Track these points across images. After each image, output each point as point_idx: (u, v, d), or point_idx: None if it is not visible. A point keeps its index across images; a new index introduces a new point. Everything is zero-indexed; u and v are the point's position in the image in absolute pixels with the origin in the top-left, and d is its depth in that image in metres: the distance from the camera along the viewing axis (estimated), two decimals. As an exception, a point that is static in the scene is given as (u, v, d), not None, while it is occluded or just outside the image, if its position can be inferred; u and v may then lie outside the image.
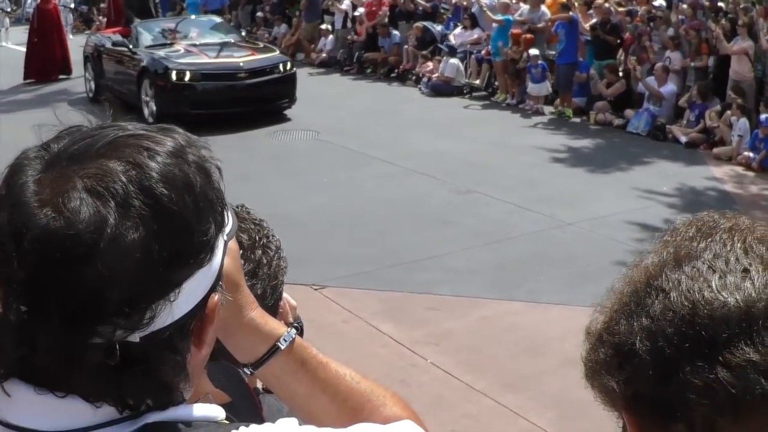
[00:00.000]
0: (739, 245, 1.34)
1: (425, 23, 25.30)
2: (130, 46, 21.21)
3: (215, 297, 1.44)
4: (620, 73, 19.98)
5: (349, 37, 27.58)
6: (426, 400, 7.54)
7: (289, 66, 20.66)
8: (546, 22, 21.55)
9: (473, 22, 24.03)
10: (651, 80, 18.75)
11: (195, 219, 1.37)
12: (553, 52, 21.10)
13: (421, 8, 26.61)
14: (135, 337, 1.31)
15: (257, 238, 2.39)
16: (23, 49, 36.97)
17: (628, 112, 18.78)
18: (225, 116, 18.74)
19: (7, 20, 41.08)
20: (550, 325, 8.84)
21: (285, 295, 2.54)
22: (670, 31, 19.65)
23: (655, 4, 21.17)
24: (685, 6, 20.29)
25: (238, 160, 15.15)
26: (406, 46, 25.46)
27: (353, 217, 12.50)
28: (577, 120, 19.57)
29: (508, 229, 11.86)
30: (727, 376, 1.23)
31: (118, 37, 22.69)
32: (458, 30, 24.44)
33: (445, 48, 23.95)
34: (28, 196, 1.32)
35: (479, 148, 16.06)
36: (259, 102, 19.41)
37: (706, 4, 20.21)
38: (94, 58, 23.39)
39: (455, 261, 10.81)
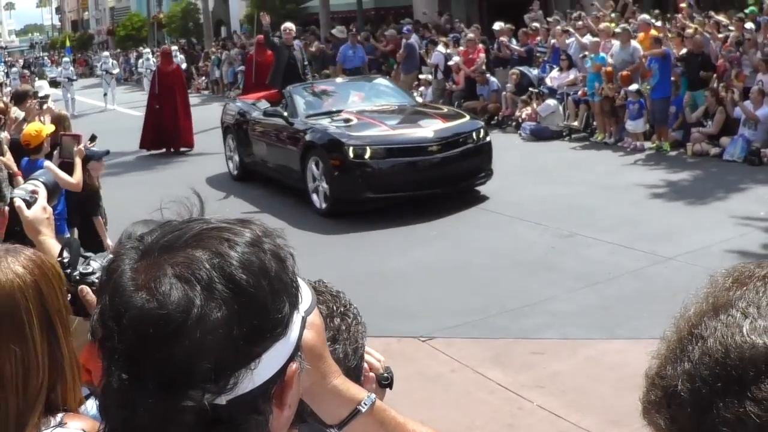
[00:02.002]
0: None
1: (522, 68, 25.47)
2: (285, 114, 18.03)
3: (293, 365, 1.62)
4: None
5: (447, 86, 27.74)
6: (533, 441, 7.84)
7: (482, 133, 16.98)
8: (639, 59, 21.50)
9: (570, 63, 24.16)
10: (747, 104, 18.77)
11: (270, 299, 1.56)
12: (648, 87, 21.03)
13: (516, 54, 26.80)
14: (222, 400, 1.50)
15: (335, 308, 2.61)
16: (131, 111, 37.44)
17: (724, 140, 18.79)
18: (410, 200, 15.86)
19: (114, 82, 41.49)
20: (653, 360, 8.95)
21: (370, 350, 2.75)
22: (760, 54, 19.68)
23: (746, 26, 21.24)
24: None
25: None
26: (504, 93, 25.61)
27: (458, 268, 12.67)
28: (675, 153, 19.68)
29: (610, 269, 11.98)
30: (754, 409, 1.32)
31: (265, 104, 19.74)
32: (554, 72, 24.53)
33: (545, 90, 24.07)
34: (126, 281, 1.53)
35: (580, 191, 16.20)
36: (453, 180, 16.19)
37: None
38: (235, 129, 20.52)
39: (559, 305, 10.97)
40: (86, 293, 2.91)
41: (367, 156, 15.87)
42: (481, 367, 9.30)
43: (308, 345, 1.78)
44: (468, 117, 18.06)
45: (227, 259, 1.54)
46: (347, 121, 17.11)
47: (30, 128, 10.95)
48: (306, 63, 22.80)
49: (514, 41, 27.74)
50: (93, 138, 11.82)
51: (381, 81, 21.78)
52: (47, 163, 10.30)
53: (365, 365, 2.71)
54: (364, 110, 17.91)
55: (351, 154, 15.85)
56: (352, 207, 16.03)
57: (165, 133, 25.73)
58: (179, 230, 1.62)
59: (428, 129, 16.56)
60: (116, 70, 44.38)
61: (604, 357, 9.36)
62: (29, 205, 3.73)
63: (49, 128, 11.05)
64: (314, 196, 16.60)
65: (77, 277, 2.96)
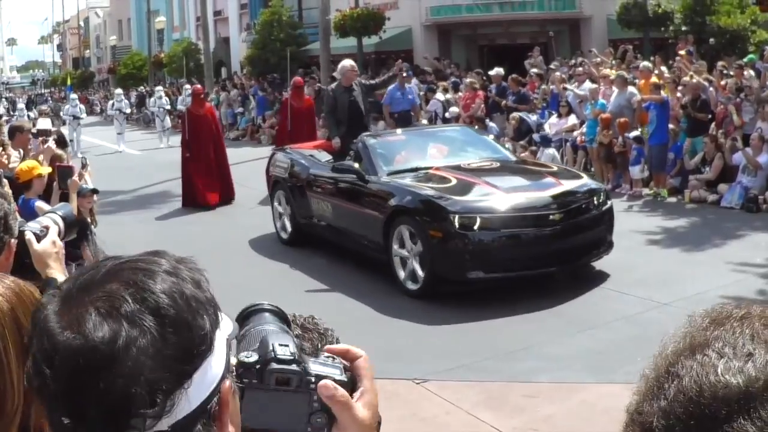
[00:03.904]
0: (747, 332, 1.45)
1: (521, 114, 25.46)
2: (360, 169, 14.95)
3: (226, 383, 1.67)
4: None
5: (446, 132, 27.59)
6: (525, 483, 7.83)
7: (603, 197, 14.18)
8: (636, 104, 21.71)
9: (569, 110, 24.19)
10: (747, 150, 18.92)
11: (191, 317, 1.61)
12: (646, 133, 21.11)
13: (513, 99, 26.89)
14: (164, 425, 1.55)
15: (319, 345, 2.68)
16: (132, 151, 37.06)
17: (722, 187, 18.89)
18: (524, 280, 13.13)
19: (125, 123, 40.30)
20: (647, 405, 8.91)
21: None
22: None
23: (746, 74, 21.42)
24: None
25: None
26: (503, 138, 25.58)
27: (452, 312, 12.63)
28: (673, 200, 19.81)
29: (605, 315, 12.00)
30: None
31: (325, 156, 17.33)
32: (553, 118, 24.58)
33: (538, 138, 24.06)
34: (51, 324, 1.57)
35: (577, 236, 16.22)
36: (574, 255, 13.45)
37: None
38: (288, 184, 17.31)
39: (553, 348, 10.96)
40: None
41: (476, 227, 12.85)
42: (474, 410, 9.29)
43: (361, 421, 1.82)
44: (585, 177, 15.29)
45: (144, 286, 1.61)
46: (443, 180, 14.13)
47: (25, 163, 10.93)
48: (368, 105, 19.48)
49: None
50: (84, 164, 11.75)
51: (464, 129, 19.00)
52: (38, 203, 10.26)
53: None
54: (459, 167, 14.85)
55: (457, 224, 12.83)
56: (453, 288, 13.26)
57: (198, 186, 22.49)
58: (93, 270, 1.68)
59: (546, 192, 13.54)
60: (128, 110, 43.86)
61: (598, 401, 9.32)
62: (39, 238, 3.78)
63: (46, 169, 10.99)
64: (401, 273, 13.66)
65: None
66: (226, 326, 1.76)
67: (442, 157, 15.75)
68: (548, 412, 9.25)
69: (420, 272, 13.22)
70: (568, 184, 13.95)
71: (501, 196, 13.28)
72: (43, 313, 1.62)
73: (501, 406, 9.47)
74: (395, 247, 13.68)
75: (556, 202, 13.27)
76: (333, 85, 19.38)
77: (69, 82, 64.88)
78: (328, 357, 1.90)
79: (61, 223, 3.94)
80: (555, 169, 15.94)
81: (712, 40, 30.85)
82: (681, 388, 1.41)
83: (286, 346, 1.83)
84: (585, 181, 14.53)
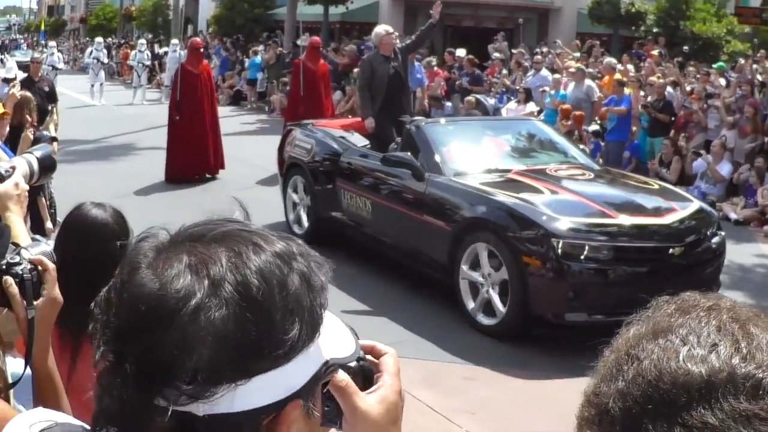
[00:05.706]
0: (714, 322, 1.44)
1: (479, 96, 25.24)
2: (412, 160, 12.15)
3: (296, 403, 1.48)
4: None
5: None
6: (459, 466, 7.69)
7: (716, 227, 11.59)
8: (596, 99, 21.82)
9: (527, 96, 24.14)
10: (708, 158, 18.92)
11: (279, 315, 1.45)
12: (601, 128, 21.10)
13: (467, 80, 26.81)
14: (199, 410, 1.41)
15: None
16: (96, 102, 36.15)
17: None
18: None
19: (102, 74, 38.61)
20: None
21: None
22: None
23: (713, 81, 21.54)
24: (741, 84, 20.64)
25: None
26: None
27: (392, 286, 12.43)
28: (627, 198, 19.60)
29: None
30: None
31: (361, 140, 14.44)
32: (511, 104, 24.48)
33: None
34: (140, 258, 1.50)
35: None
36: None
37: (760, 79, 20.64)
38: (311, 170, 14.34)
39: (498, 335, 10.68)
40: (9, 285, 2.78)
41: (583, 256, 10.12)
42: (411, 388, 9.06)
43: (365, 413, 1.61)
44: (695, 200, 12.41)
45: (246, 260, 1.47)
46: (529, 189, 11.36)
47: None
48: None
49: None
50: (51, 111, 11.59)
51: (533, 123, 15.82)
52: None
53: None
54: (544, 172, 12.13)
55: (560, 251, 10.08)
56: (546, 332, 10.58)
57: (191, 155, 19.32)
58: (213, 224, 1.56)
59: (665, 219, 10.91)
60: (107, 60, 42.65)
61: (538, 388, 9.30)
62: (3, 179, 3.63)
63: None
64: (470, 303, 10.99)
65: (3, 267, 2.82)
66: (339, 350, 1.59)
67: (520, 156, 13.14)
68: (486, 395, 9.14)
69: (500, 305, 10.59)
70: (683, 210, 11.26)
71: (615, 220, 10.68)
72: (144, 246, 1.54)
73: (438, 386, 9.34)
74: (463, 269, 11.01)
75: (677, 232, 10.75)
76: (370, 54, 16.62)
77: (42, 28, 64.63)
78: None
79: (36, 165, 3.83)
80: (656, 186, 12.70)
81: (686, 48, 30.98)
82: (640, 371, 1.40)
83: None
84: (698, 205, 11.76)
